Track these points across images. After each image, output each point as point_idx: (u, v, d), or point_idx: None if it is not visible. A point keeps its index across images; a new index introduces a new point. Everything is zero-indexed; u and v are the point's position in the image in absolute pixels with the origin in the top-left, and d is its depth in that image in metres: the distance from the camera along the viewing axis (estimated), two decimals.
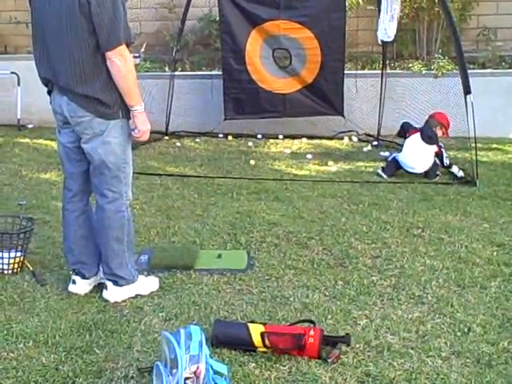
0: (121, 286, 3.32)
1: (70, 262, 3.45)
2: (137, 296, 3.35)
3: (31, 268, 3.65)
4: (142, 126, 3.16)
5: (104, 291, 3.36)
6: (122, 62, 2.97)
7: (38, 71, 3.19)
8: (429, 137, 5.82)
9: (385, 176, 5.83)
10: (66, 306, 3.27)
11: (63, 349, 2.85)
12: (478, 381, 2.62)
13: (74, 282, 3.41)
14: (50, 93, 3.22)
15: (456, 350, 2.86)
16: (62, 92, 3.11)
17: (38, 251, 3.96)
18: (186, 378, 2.32)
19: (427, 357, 2.80)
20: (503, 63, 8.02)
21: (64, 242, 3.47)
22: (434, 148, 5.82)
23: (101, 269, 3.42)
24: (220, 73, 7.55)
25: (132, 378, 2.63)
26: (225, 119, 7.48)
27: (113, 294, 3.33)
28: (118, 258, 3.31)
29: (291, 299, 3.33)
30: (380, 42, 7.10)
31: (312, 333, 2.79)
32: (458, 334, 3.00)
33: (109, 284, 3.34)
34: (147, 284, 3.44)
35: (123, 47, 2.97)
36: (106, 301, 3.31)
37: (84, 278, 3.40)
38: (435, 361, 2.77)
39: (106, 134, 3.11)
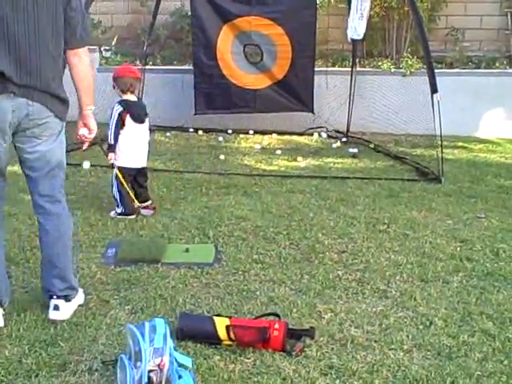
0: (70, 300, 3.08)
1: None
2: (103, 289, 3.34)
3: None
4: (95, 126, 3.09)
5: (53, 312, 3.02)
6: (88, 59, 2.97)
7: None
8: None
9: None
10: (30, 298, 3.24)
11: (27, 342, 2.83)
12: (438, 373, 2.66)
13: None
14: None
15: (418, 342, 2.91)
16: (20, 94, 2.79)
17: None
18: (150, 371, 2.32)
19: (389, 349, 2.85)
20: (470, 63, 8.18)
21: None
22: None
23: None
24: (191, 67, 7.55)
25: (96, 370, 2.62)
26: (195, 114, 7.48)
27: (65, 311, 3.05)
28: (70, 267, 3.13)
29: (257, 293, 3.35)
30: (350, 40, 7.17)
31: (277, 326, 2.82)
32: (420, 327, 3.05)
33: (60, 303, 3.04)
34: (81, 292, 3.23)
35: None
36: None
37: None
38: (397, 353, 2.82)
39: (61, 134, 3.02)
